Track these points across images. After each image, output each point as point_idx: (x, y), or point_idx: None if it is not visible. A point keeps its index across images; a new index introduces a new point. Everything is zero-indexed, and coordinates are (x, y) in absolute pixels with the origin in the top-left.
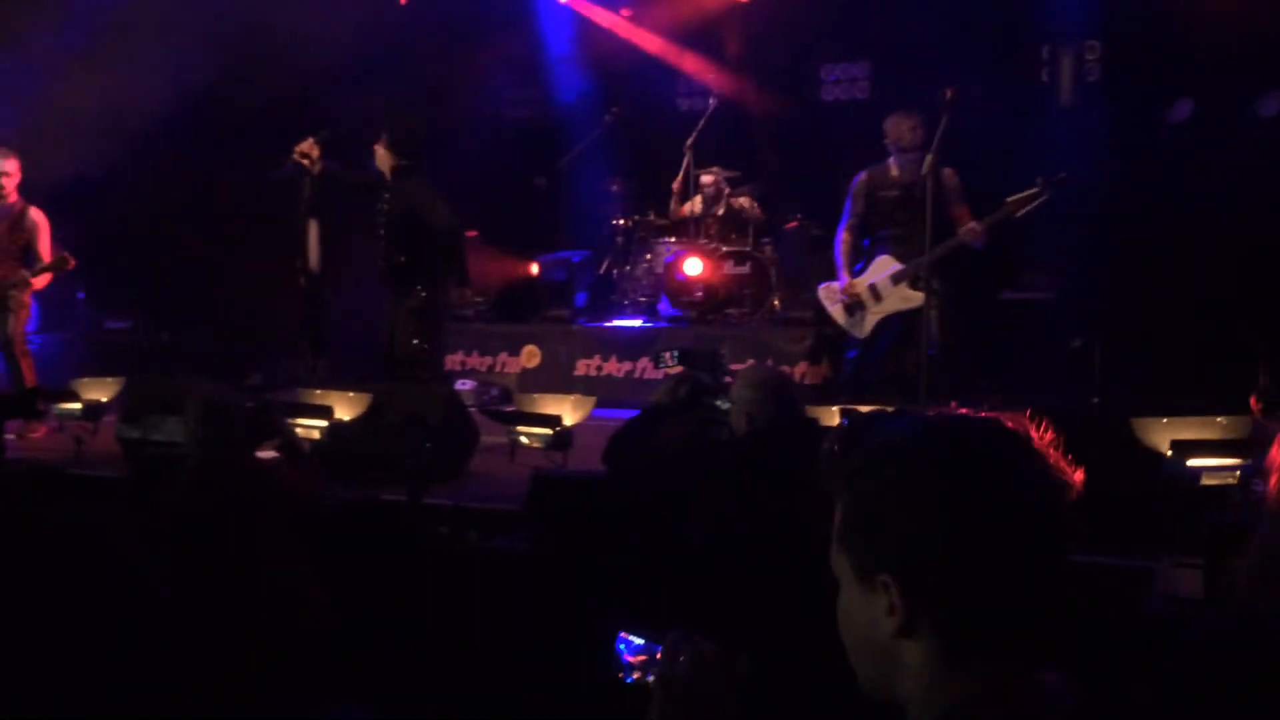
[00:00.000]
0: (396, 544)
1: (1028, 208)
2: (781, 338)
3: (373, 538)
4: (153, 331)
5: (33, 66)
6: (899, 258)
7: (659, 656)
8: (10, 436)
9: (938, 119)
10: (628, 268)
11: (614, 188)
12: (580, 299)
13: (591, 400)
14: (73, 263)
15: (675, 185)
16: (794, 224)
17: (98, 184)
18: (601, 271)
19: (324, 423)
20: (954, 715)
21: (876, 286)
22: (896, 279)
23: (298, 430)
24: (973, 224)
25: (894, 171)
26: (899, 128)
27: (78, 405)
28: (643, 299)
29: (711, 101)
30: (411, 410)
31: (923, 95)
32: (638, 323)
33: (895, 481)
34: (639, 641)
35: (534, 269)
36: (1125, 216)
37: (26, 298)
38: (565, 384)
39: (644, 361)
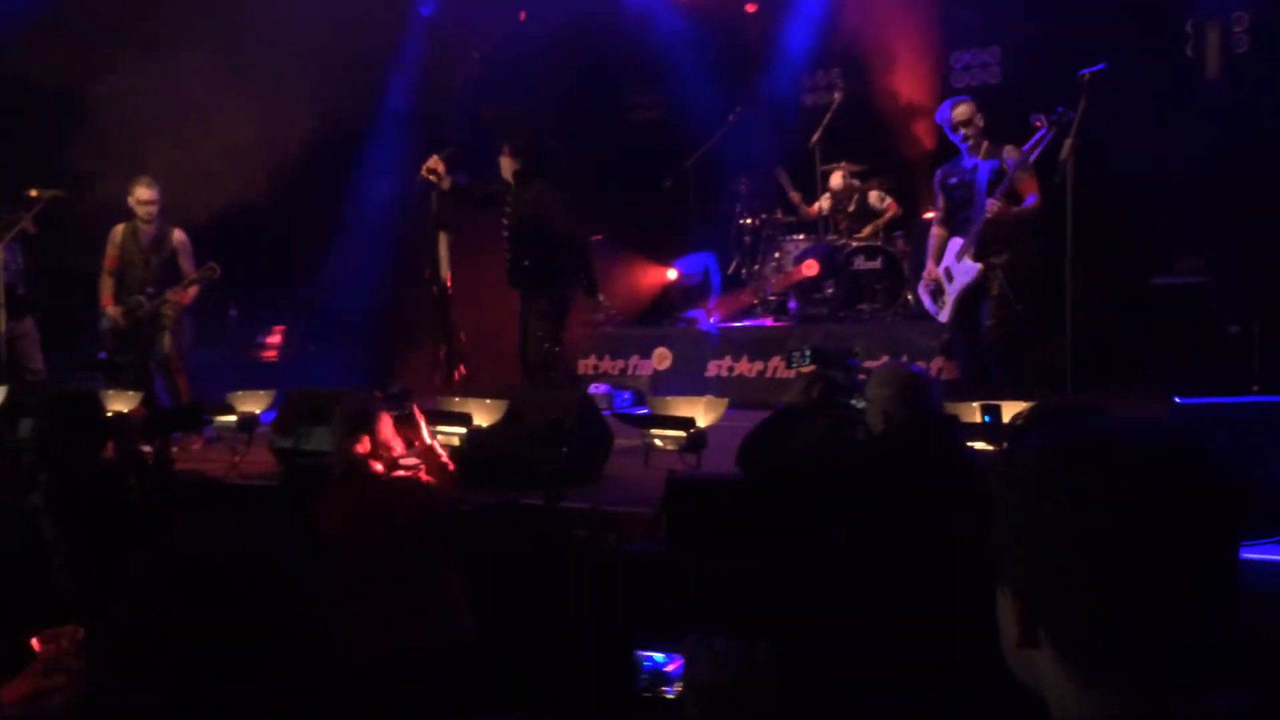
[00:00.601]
0: (535, 547)
1: (1038, 150)
2: (916, 333)
3: (512, 541)
4: (300, 345)
5: (183, 97)
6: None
7: (679, 666)
8: (174, 449)
9: (1075, 101)
10: (756, 266)
11: (741, 187)
12: (713, 301)
13: (724, 402)
14: (219, 271)
15: (794, 198)
16: (928, 215)
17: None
18: (730, 271)
19: (463, 429)
20: None
21: (950, 269)
22: (960, 255)
23: (438, 438)
24: (994, 203)
25: (963, 161)
26: (961, 115)
27: (233, 418)
28: (772, 298)
29: (837, 95)
30: (547, 415)
31: (1056, 78)
32: (768, 322)
33: (1025, 501)
34: (658, 657)
35: (671, 274)
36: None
37: (179, 315)
38: (697, 385)
39: (775, 361)
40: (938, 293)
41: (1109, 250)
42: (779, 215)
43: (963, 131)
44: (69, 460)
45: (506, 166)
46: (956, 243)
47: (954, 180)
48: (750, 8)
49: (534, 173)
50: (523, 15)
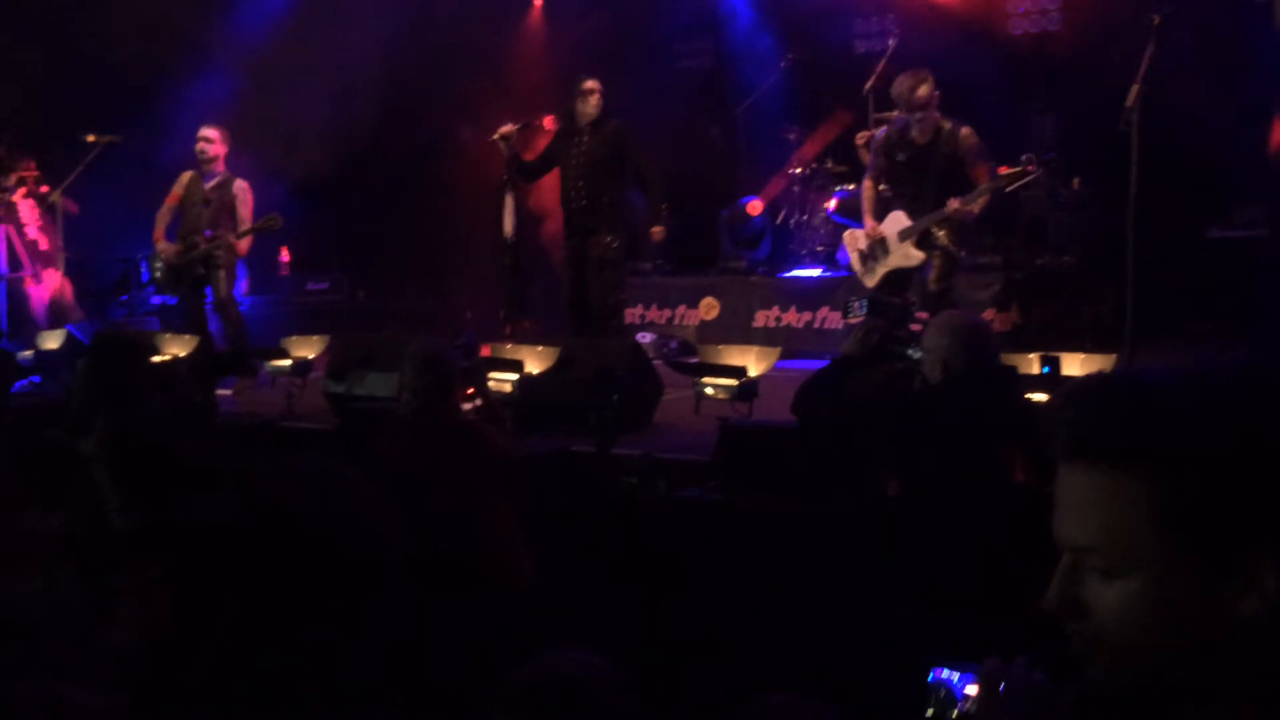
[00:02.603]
0: (588, 494)
1: (1016, 184)
2: (967, 284)
3: (564, 488)
4: (351, 292)
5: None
6: (910, 215)
7: (972, 689)
8: (226, 392)
9: (1141, 48)
10: (805, 217)
11: (791, 136)
12: (764, 249)
13: (776, 351)
14: (281, 222)
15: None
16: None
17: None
18: (779, 221)
19: (515, 376)
20: None
21: (887, 240)
22: (903, 236)
23: (490, 384)
24: (958, 203)
25: (913, 132)
26: (901, 86)
27: (287, 362)
28: (820, 248)
29: (890, 42)
30: (599, 363)
31: (1118, 24)
32: (817, 272)
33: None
34: (955, 676)
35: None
36: None
37: (233, 260)
38: (744, 335)
39: (824, 311)
40: (869, 258)
41: (1164, 201)
42: (829, 165)
43: (919, 114)
44: (117, 403)
45: (593, 104)
46: (900, 216)
47: (903, 155)
48: None
49: (609, 111)
50: None
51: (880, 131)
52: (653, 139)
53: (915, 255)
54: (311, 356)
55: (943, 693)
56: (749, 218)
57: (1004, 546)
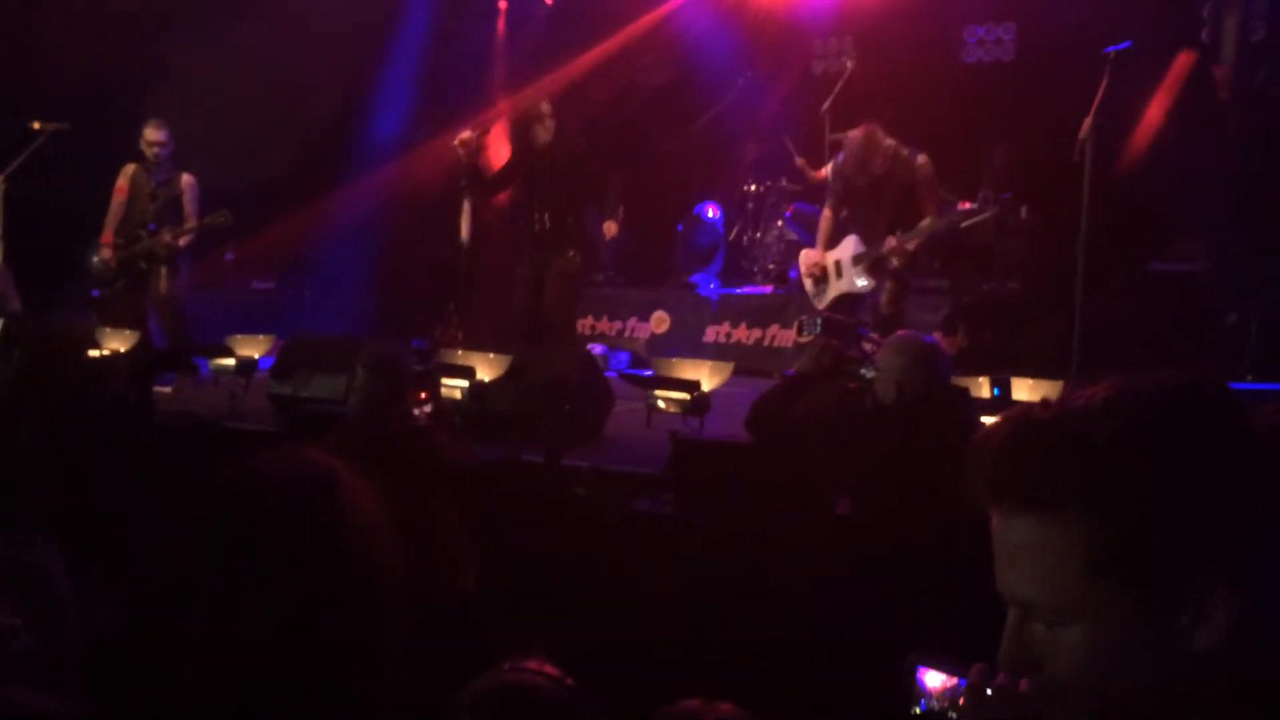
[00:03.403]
0: (535, 503)
1: (969, 221)
2: (915, 307)
3: (512, 497)
4: (296, 292)
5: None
6: (864, 240)
7: (959, 692)
8: (166, 390)
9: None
10: (759, 234)
11: (747, 153)
12: (718, 264)
13: (729, 366)
14: (230, 218)
15: (800, 162)
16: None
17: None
18: (732, 238)
19: (465, 383)
20: None
21: (840, 263)
22: (856, 261)
23: (441, 390)
24: (895, 241)
25: (873, 165)
26: (853, 152)
27: (232, 361)
28: (773, 266)
29: (848, 64)
30: (550, 373)
31: (1070, 57)
32: (768, 290)
33: (1175, 467)
34: (941, 676)
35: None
36: None
37: (176, 255)
38: (694, 350)
39: (774, 329)
40: (821, 281)
41: (1108, 233)
42: (784, 183)
43: (880, 159)
44: (52, 397)
45: (548, 128)
46: (854, 241)
47: (861, 182)
48: None
49: (565, 131)
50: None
51: (839, 156)
52: (611, 152)
53: (866, 280)
54: (257, 356)
55: (930, 691)
56: (703, 229)
57: (954, 567)
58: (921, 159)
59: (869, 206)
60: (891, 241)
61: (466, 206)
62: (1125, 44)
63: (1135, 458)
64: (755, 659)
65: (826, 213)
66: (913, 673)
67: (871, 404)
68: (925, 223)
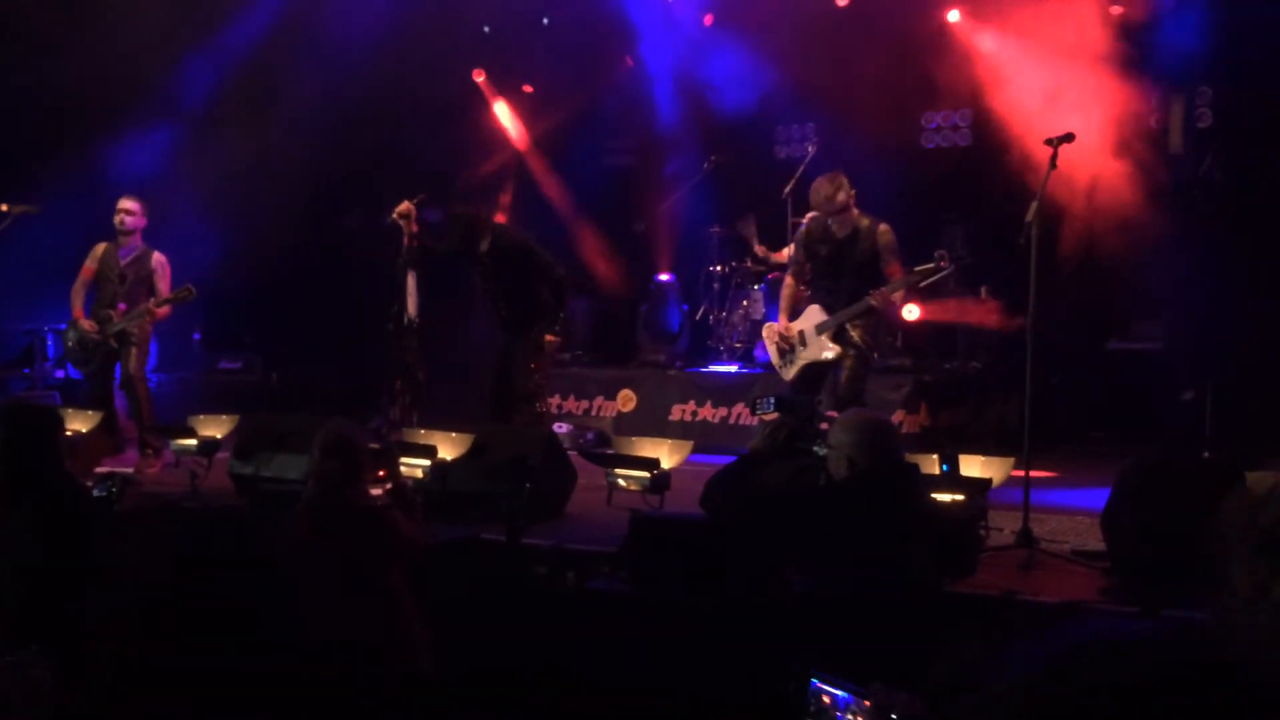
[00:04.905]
0: (496, 583)
1: (930, 279)
2: (878, 385)
3: (473, 576)
4: (263, 372)
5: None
6: (826, 309)
7: (862, 709)
8: (129, 470)
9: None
10: (724, 314)
11: (712, 234)
12: (683, 344)
13: (689, 444)
14: (194, 293)
15: (759, 251)
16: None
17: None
18: (698, 318)
19: (427, 462)
20: None
21: (804, 334)
22: (820, 329)
23: (402, 469)
24: (875, 294)
25: (833, 228)
26: (819, 193)
27: (194, 441)
28: (739, 345)
29: (810, 149)
30: (512, 451)
31: (1025, 140)
32: (734, 369)
33: None
34: (837, 690)
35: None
36: (1237, 265)
37: (146, 335)
38: (660, 429)
39: (739, 407)
40: (787, 352)
41: (1068, 313)
42: (748, 264)
43: (838, 217)
44: (46, 474)
45: (482, 243)
46: (816, 311)
47: (824, 250)
48: (708, 19)
49: (502, 228)
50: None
51: (802, 226)
52: (576, 231)
53: (831, 348)
54: (219, 436)
55: (824, 701)
56: (666, 308)
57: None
58: (883, 227)
59: (830, 276)
60: (876, 296)
61: (411, 282)
62: (1067, 134)
63: None
64: None
65: (789, 281)
66: (806, 688)
67: (825, 480)
68: (899, 278)
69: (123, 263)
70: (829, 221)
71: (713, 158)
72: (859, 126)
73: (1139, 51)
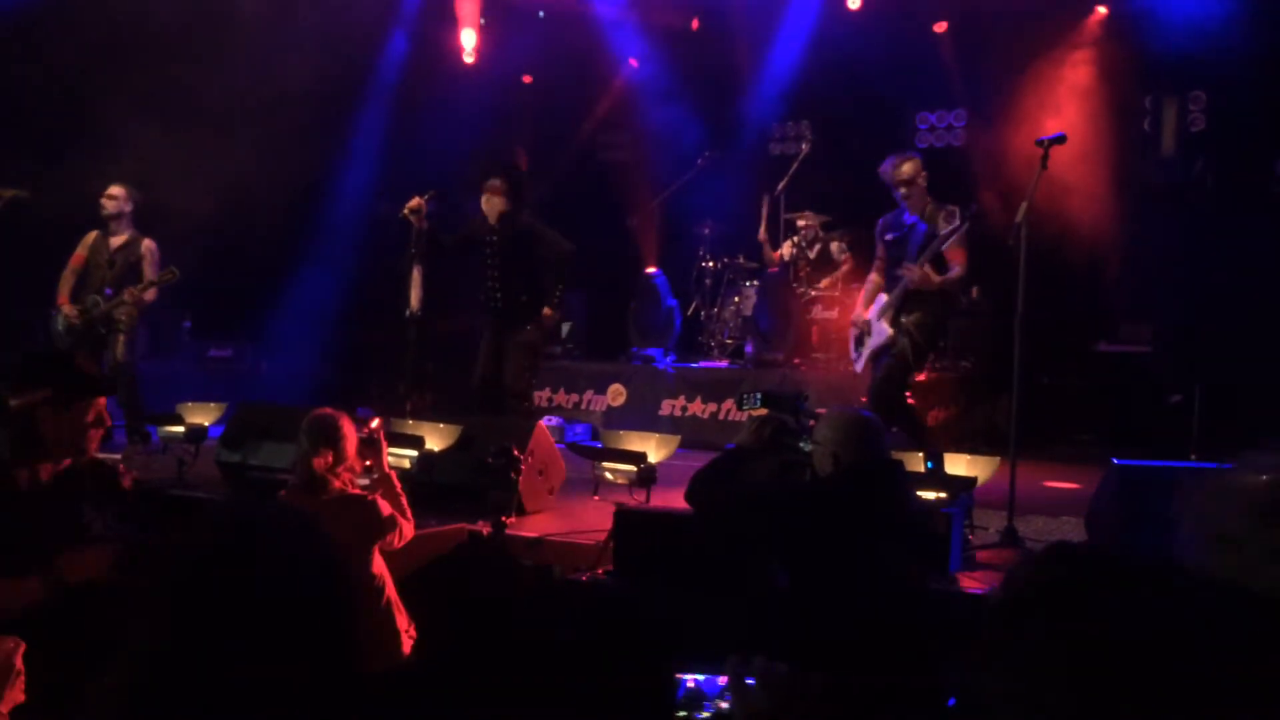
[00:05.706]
0: (481, 574)
1: (951, 237)
2: (868, 383)
3: (458, 567)
4: (252, 360)
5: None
6: (890, 294)
7: (719, 688)
8: (116, 457)
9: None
10: (715, 310)
11: (704, 230)
12: (673, 339)
13: (676, 439)
14: (177, 274)
15: (762, 235)
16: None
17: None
18: (689, 313)
19: (415, 452)
20: None
21: (871, 323)
22: (880, 314)
23: (389, 459)
24: (909, 265)
25: (904, 216)
26: (887, 165)
27: (181, 428)
28: (729, 341)
29: (804, 147)
30: (500, 443)
31: (1017, 141)
32: (724, 364)
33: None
34: (698, 678)
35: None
36: (1228, 269)
37: (134, 322)
38: (650, 423)
39: (729, 403)
40: (860, 340)
41: (1057, 315)
42: (740, 260)
43: (903, 190)
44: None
45: (495, 204)
46: (884, 298)
47: (891, 236)
48: (694, 24)
49: (520, 207)
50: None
51: (880, 222)
52: (571, 226)
53: (887, 332)
54: (208, 424)
55: (691, 694)
56: (656, 303)
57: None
58: (944, 213)
59: (898, 261)
60: (916, 273)
61: (416, 275)
62: (1058, 135)
63: None
64: None
65: (871, 274)
66: (674, 684)
67: (810, 476)
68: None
69: (112, 248)
70: (901, 209)
71: (705, 154)
72: (853, 125)
73: (1131, 54)
